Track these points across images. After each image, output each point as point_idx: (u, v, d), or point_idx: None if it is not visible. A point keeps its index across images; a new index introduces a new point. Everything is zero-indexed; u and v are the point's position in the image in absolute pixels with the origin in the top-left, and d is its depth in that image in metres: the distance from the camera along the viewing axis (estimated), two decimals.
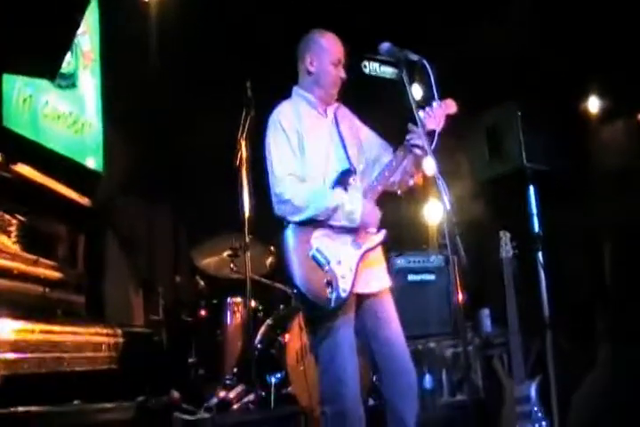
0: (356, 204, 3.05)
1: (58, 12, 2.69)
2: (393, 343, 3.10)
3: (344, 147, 3.24)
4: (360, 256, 3.04)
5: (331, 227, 3.05)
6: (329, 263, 2.98)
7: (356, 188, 3.17)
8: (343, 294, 2.94)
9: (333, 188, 3.12)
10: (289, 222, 3.09)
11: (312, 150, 3.18)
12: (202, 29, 5.55)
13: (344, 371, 2.98)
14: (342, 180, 3.14)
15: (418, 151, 3.13)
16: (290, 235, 3.06)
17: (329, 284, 2.93)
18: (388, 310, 3.16)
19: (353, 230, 3.06)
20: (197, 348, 4.90)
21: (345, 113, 3.41)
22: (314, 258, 2.99)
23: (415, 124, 3.04)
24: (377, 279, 3.17)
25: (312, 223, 3.05)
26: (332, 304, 2.91)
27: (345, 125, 3.33)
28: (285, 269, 3.03)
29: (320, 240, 3.02)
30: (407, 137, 3.15)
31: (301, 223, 3.05)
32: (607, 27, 4.58)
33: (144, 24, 5.50)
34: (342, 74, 3.29)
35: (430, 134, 3.10)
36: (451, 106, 3.26)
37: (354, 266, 3.01)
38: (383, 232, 3.15)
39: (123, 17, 5.35)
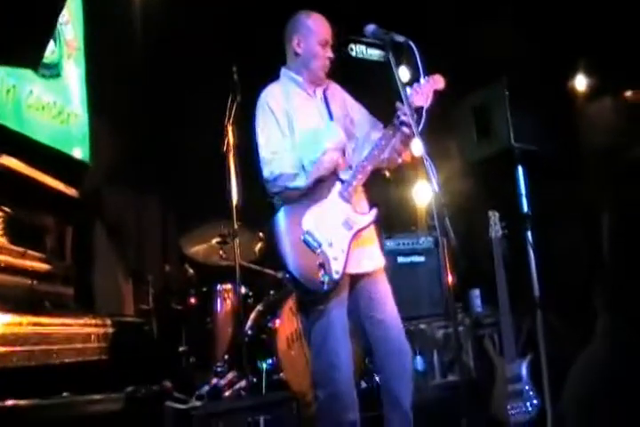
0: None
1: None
2: (387, 325, 3.10)
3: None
4: (352, 237, 3.03)
5: (323, 200, 3.03)
6: (320, 246, 2.97)
7: (344, 166, 3.18)
8: (336, 276, 2.93)
9: None
10: (280, 205, 3.07)
11: (302, 130, 3.17)
12: (186, 15, 5.50)
13: (337, 355, 2.97)
14: None
15: (406, 130, 3.11)
16: (280, 219, 3.05)
17: (321, 266, 2.91)
18: (382, 291, 3.16)
19: (343, 210, 3.05)
20: (188, 336, 4.86)
21: (335, 91, 3.40)
22: (305, 241, 2.97)
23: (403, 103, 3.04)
24: (370, 259, 3.17)
25: (302, 204, 3.04)
26: (325, 287, 2.90)
27: (335, 104, 3.32)
28: (277, 253, 3.02)
29: (311, 223, 3.01)
30: (396, 115, 3.13)
31: (292, 206, 3.05)
32: (593, 6, 4.56)
33: (128, 11, 5.45)
34: (330, 54, 3.28)
35: (418, 111, 3.09)
36: (438, 81, 3.25)
37: (346, 247, 3.00)
38: (374, 212, 3.14)
39: (106, 4, 5.30)
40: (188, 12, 5.46)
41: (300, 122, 3.19)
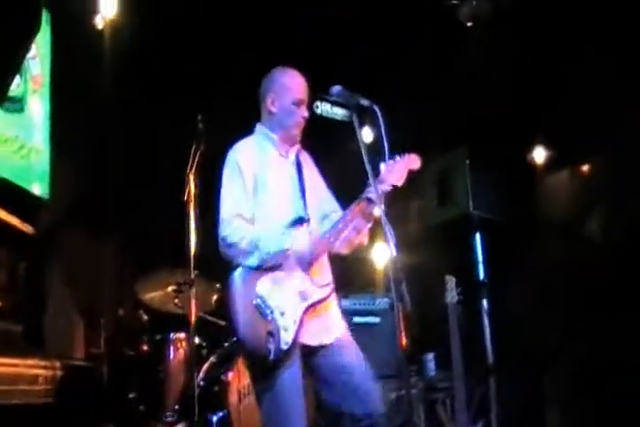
0: (303, 240, 3.00)
1: (7, 35, 2.64)
2: (361, 379, 2.98)
3: (303, 194, 3.17)
4: (305, 309, 2.96)
5: (275, 276, 2.97)
6: (272, 313, 2.90)
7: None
8: (284, 347, 2.86)
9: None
10: (237, 265, 3.01)
11: (268, 193, 3.12)
12: (156, 59, 5.51)
13: (290, 422, 2.89)
14: (294, 228, 3.07)
15: (371, 205, 3.04)
16: (236, 279, 2.99)
17: (270, 335, 2.86)
18: (348, 357, 3.03)
19: (299, 280, 2.98)
20: (138, 383, 4.78)
21: (307, 159, 3.35)
22: (257, 306, 2.91)
23: (365, 168, 2.96)
24: (326, 331, 3.06)
25: (259, 269, 2.97)
26: (272, 356, 2.84)
27: (307, 172, 3.28)
28: (228, 314, 2.97)
29: (265, 288, 2.95)
30: (366, 190, 3.05)
31: (249, 268, 2.98)
32: (552, 79, 4.68)
33: (97, 51, 5.42)
34: (305, 113, 3.22)
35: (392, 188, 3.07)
36: (414, 161, 3.20)
37: (298, 318, 2.92)
38: (331, 287, 3.08)
39: (75, 43, 5.29)
40: (159, 57, 5.49)
41: (267, 185, 3.12)
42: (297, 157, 3.28)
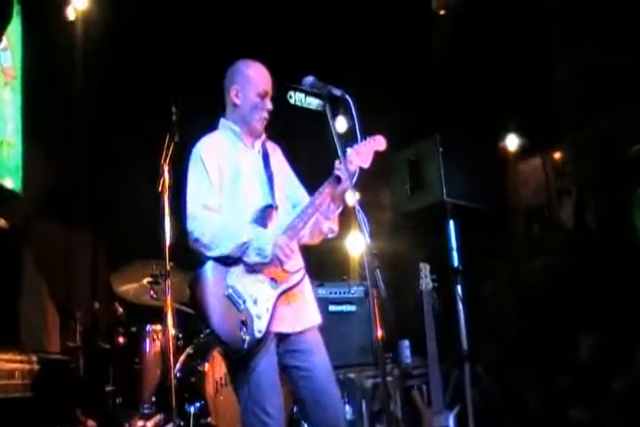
0: (266, 239, 2.96)
1: None
2: (316, 376, 3.01)
3: (270, 182, 3.17)
4: (277, 296, 2.97)
5: (245, 264, 2.98)
6: (244, 302, 2.91)
7: (275, 224, 3.09)
8: (258, 335, 2.88)
9: (253, 223, 3.04)
10: (207, 258, 3.00)
11: (235, 184, 3.12)
12: (128, 50, 5.48)
13: (266, 413, 2.89)
14: (262, 216, 3.07)
15: (340, 184, 3.07)
16: (206, 272, 2.99)
17: (243, 324, 2.86)
18: (311, 342, 3.06)
19: (270, 267, 2.98)
20: (115, 376, 4.77)
21: (274, 148, 3.36)
22: (229, 297, 2.92)
23: (339, 157, 2.99)
24: (298, 318, 3.07)
25: (228, 260, 2.97)
26: (246, 346, 2.85)
27: (275, 161, 3.28)
28: (199, 308, 2.96)
29: (236, 278, 2.96)
30: (334, 172, 3.09)
31: (218, 260, 2.98)
32: (524, 67, 4.73)
33: (69, 42, 5.38)
34: (269, 106, 3.22)
35: (359, 171, 3.08)
36: (380, 142, 3.22)
37: (270, 306, 2.93)
38: (302, 272, 3.09)
39: (47, 35, 5.24)
40: (131, 47, 5.44)
41: (232, 176, 3.12)
42: (263, 146, 3.28)
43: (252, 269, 2.98)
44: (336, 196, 3.13)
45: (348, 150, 3.09)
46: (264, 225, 3.07)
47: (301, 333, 3.07)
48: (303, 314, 3.11)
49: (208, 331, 2.94)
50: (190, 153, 3.22)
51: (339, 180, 3.08)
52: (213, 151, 3.16)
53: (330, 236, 3.30)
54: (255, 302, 2.92)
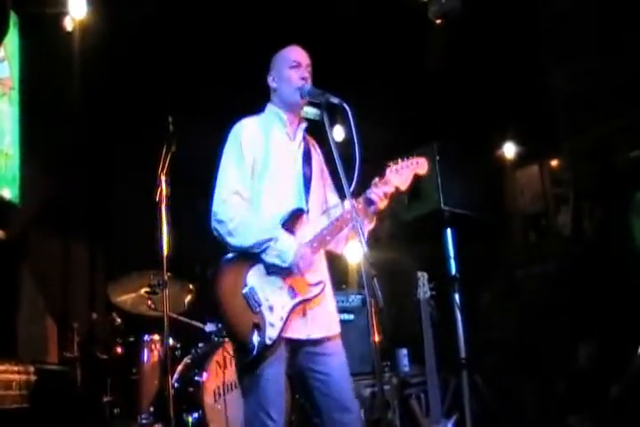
0: (290, 244, 2.86)
1: None
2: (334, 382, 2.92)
3: (306, 184, 3.06)
4: (293, 306, 2.88)
5: (265, 264, 2.88)
6: (260, 306, 2.84)
7: (304, 230, 2.97)
8: (268, 342, 2.80)
9: (281, 224, 2.93)
10: (230, 249, 2.91)
11: (268, 179, 3.01)
12: (125, 61, 5.49)
13: (270, 418, 2.82)
14: (291, 219, 2.96)
15: (372, 207, 2.97)
16: (226, 264, 2.90)
17: (256, 327, 2.79)
18: (332, 353, 2.96)
19: (291, 275, 2.88)
20: (113, 386, 4.76)
21: (315, 145, 3.24)
22: (245, 296, 2.84)
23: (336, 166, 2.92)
24: (314, 326, 2.94)
25: (252, 256, 2.88)
26: (255, 351, 2.79)
27: (315, 160, 3.16)
28: (214, 300, 2.85)
29: (256, 279, 2.88)
30: (370, 191, 2.96)
31: (242, 254, 2.89)
32: (520, 76, 4.75)
33: (66, 53, 5.40)
34: (304, 74, 3.07)
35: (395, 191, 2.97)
36: (422, 166, 3.06)
37: (285, 315, 2.85)
38: (322, 285, 2.96)
39: (44, 45, 5.25)
40: (128, 58, 5.45)
41: (269, 169, 3.00)
42: (305, 140, 3.16)
43: (273, 271, 2.89)
44: (368, 214, 3.03)
45: (387, 169, 2.98)
46: (291, 229, 2.95)
47: (320, 340, 2.96)
48: (320, 322, 2.97)
49: (218, 325, 2.82)
50: (229, 131, 3.08)
51: (371, 201, 2.96)
52: (253, 138, 3.05)
53: None
54: (271, 309, 2.84)
